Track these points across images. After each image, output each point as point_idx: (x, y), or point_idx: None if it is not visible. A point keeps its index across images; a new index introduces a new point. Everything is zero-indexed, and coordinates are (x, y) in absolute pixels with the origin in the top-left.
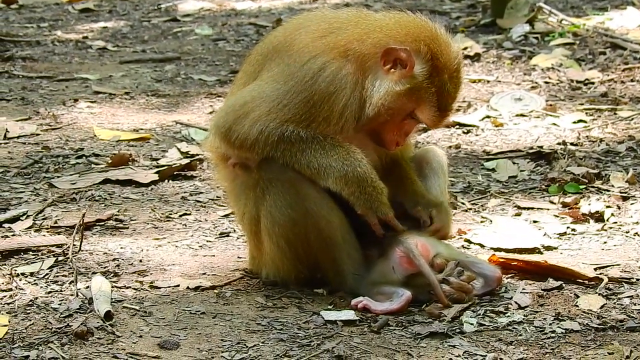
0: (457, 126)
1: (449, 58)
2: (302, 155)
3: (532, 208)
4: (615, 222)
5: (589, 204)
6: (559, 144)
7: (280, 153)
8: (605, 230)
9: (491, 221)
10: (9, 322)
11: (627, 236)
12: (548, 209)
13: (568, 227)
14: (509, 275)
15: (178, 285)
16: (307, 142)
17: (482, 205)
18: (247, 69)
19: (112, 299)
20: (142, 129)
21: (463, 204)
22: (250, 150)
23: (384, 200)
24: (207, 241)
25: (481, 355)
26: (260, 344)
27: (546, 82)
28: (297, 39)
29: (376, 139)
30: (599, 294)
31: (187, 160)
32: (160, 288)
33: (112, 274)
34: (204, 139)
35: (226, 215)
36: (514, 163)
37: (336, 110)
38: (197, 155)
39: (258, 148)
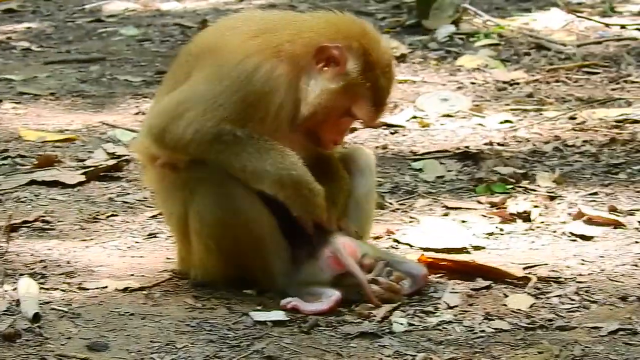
0: (384, 127)
1: (380, 53)
2: (236, 160)
3: (460, 208)
4: (543, 222)
5: (516, 204)
6: (485, 144)
7: (214, 156)
8: (533, 229)
9: (419, 221)
10: None
11: (554, 236)
12: (476, 209)
13: (496, 227)
14: (438, 275)
15: (106, 287)
16: (241, 145)
17: (409, 206)
18: (176, 71)
19: (39, 300)
20: (67, 130)
21: (391, 204)
22: (184, 151)
23: (319, 203)
24: (135, 242)
25: (411, 355)
26: (190, 345)
27: (472, 83)
28: (229, 40)
29: (313, 138)
30: (528, 294)
31: (113, 161)
32: (88, 289)
33: (40, 276)
34: (131, 140)
35: (154, 216)
36: (441, 163)
37: (271, 110)
38: (124, 156)
39: (192, 149)
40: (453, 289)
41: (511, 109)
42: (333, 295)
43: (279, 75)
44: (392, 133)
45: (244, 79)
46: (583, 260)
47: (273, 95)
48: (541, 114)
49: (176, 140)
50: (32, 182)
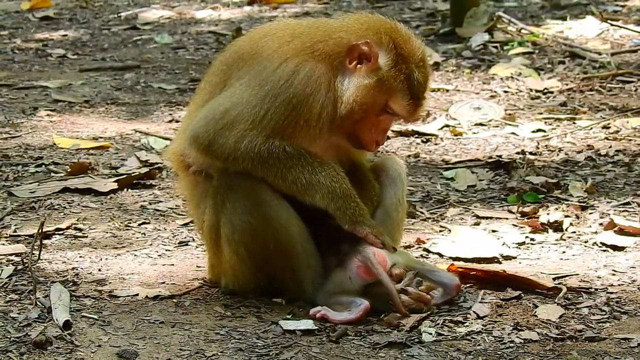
0: (416, 135)
1: (413, 47)
2: (288, 172)
3: (491, 217)
4: (574, 232)
5: (548, 214)
6: (517, 153)
7: (267, 169)
8: (564, 239)
9: (450, 230)
10: None
11: (585, 246)
12: (507, 219)
13: (527, 237)
14: (468, 285)
15: (137, 295)
16: (294, 159)
17: (440, 215)
18: (212, 79)
19: (71, 308)
20: (101, 138)
21: (422, 213)
22: (234, 163)
23: (367, 216)
24: (166, 250)
25: None
26: (219, 354)
27: (505, 92)
28: (264, 46)
29: (354, 141)
30: (558, 304)
31: (146, 169)
32: (119, 297)
33: (71, 283)
34: (164, 148)
35: (185, 224)
36: (472, 172)
37: (315, 111)
38: (157, 163)
39: (244, 163)
40: (483, 299)
41: (544, 118)
42: (362, 304)
43: (319, 75)
44: (424, 142)
45: (284, 83)
46: (614, 270)
47: (315, 95)
48: (574, 123)
49: (227, 153)
50: (65, 190)
